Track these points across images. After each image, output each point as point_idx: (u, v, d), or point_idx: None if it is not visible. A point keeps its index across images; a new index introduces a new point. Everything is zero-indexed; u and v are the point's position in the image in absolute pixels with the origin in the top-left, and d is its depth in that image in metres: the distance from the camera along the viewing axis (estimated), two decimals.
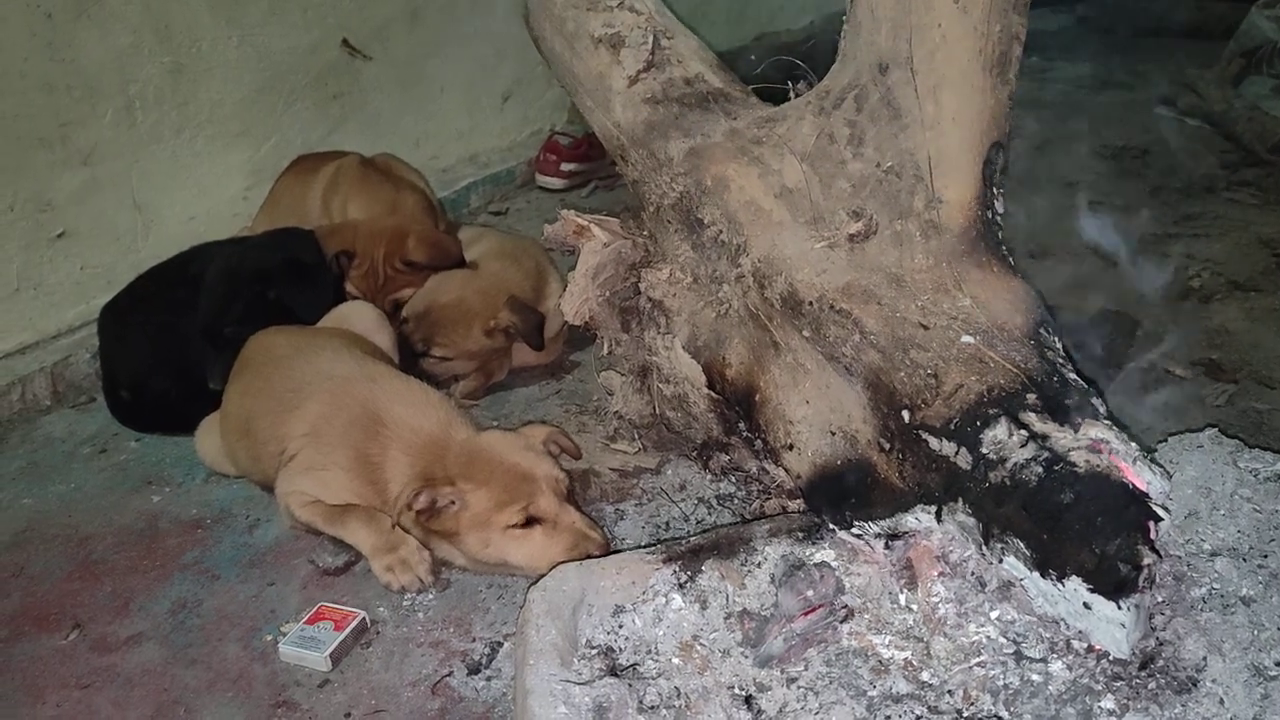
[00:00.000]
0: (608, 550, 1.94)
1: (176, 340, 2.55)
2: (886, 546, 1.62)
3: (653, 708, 1.47)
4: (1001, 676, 1.44)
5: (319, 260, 2.68)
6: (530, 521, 1.94)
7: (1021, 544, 1.41)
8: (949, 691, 1.45)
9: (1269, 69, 4.33)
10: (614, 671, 1.52)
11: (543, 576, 1.68)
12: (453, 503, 1.95)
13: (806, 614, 1.55)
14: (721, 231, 1.96)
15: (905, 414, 1.57)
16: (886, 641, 1.54)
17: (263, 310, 2.51)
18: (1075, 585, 1.36)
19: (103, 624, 1.98)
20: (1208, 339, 2.75)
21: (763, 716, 1.46)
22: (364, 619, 1.92)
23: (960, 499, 1.49)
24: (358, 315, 2.58)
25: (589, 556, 1.89)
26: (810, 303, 1.75)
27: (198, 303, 2.57)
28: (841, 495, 1.69)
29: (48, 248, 2.77)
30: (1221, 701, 1.37)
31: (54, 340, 2.81)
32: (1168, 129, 4.37)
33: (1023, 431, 1.44)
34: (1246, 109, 4.11)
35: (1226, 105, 4.18)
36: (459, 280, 2.71)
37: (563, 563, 1.87)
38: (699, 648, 1.57)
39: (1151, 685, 1.39)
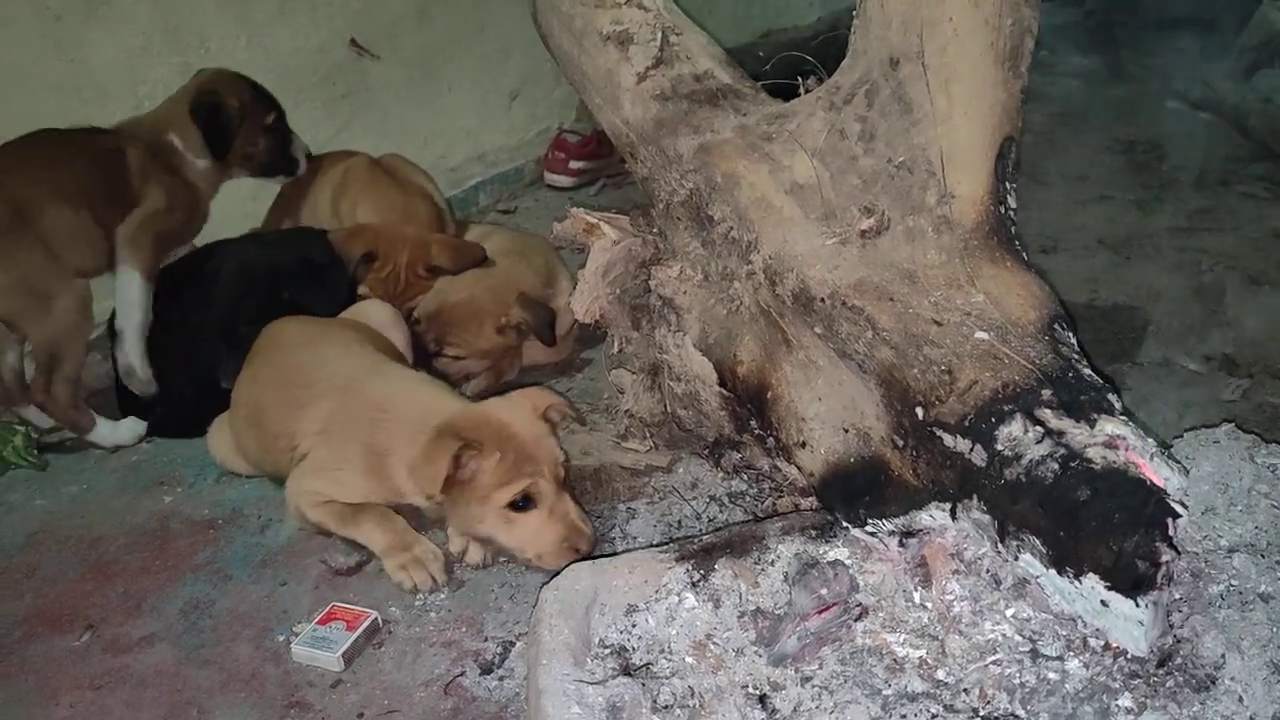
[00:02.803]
0: (594, 547, 1.94)
1: (190, 340, 2.56)
2: (901, 544, 1.61)
3: (666, 707, 1.46)
4: (1018, 675, 1.43)
5: (333, 261, 2.69)
6: (526, 503, 1.93)
7: (1037, 541, 1.40)
8: (964, 690, 1.44)
9: None
10: (627, 671, 1.52)
11: (555, 575, 1.68)
12: (469, 463, 1.92)
13: (820, 612, 1.54)
14: (732, 228, 1.95)
15: (919, 411, 1.56)
16: (901, 640, 1.53)
17: (276, 309, 2.51)
18: (1092, 583, 1.35)
19: (115, 625, 1.99)
20: (1221, 333, 2.72)
21: (777, 716, 1.46)
22: (376, 619, 1.92)
23: (975, 496, 1.48)
24: (374, 312, 2.58)
25: (575, 551, 1.90)
26: (822, 299, 1.74)
27: (211, 301, 2.57)
28: (855, 493, 1.68)
29: None
30: (1240, 699, 1.36)
31: None
32: (1179, 122, 4.34)
33: (1038, 428, 1.43)
34: (1259, 102, 4.07)
35: (1239, 98, 4.15)
36: (469, 279, 2.72)
37: (549, 553, 1.92)
38: (712, 647, 1.56)
39: (1170, 683, 1.38)
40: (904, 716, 1.42)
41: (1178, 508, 1.34)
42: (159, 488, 2.40)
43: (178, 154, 2.69)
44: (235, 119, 2.73)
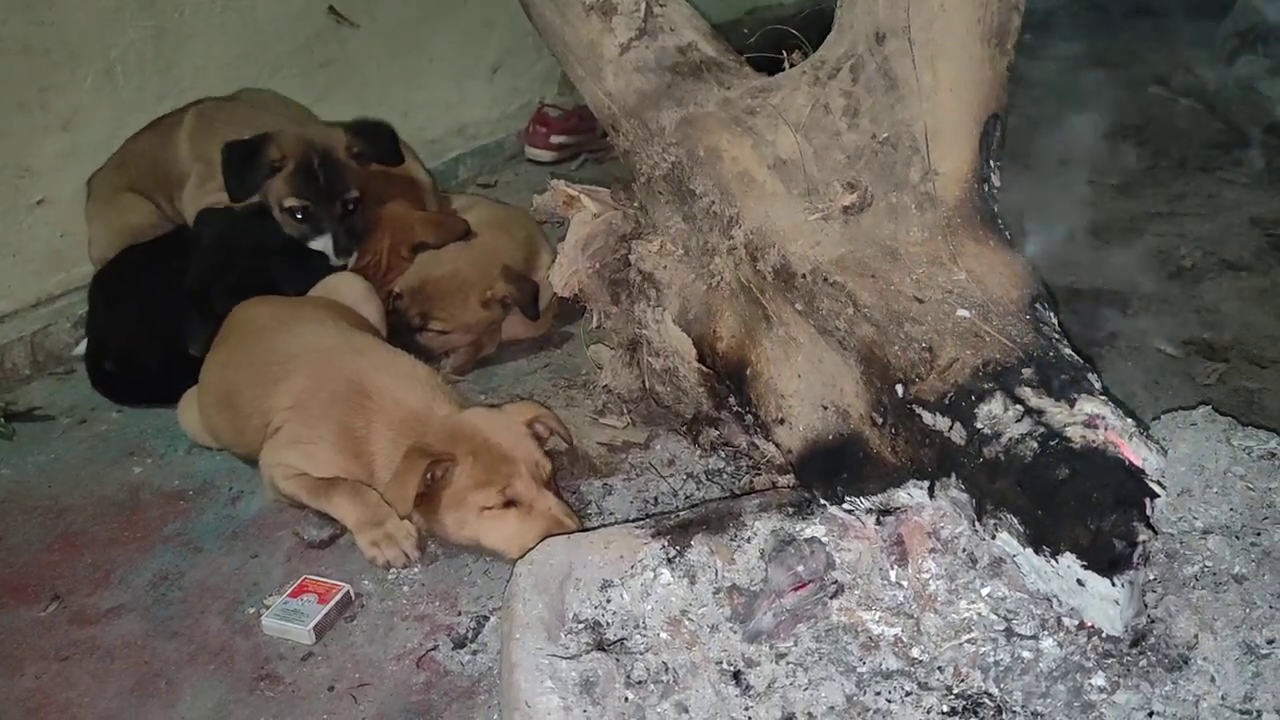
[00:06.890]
0: None
1: (162, 307, 2.52)
2: (878, 522, 1.61)
3: (640, 682, 1.46)
4: (992, 653, 1.43)
5: None
6: (507, 504, 1.91)
7: (1015, 520, 1.40)
8: (939, 668, 1.44)
9: (1263, 48, 4.31)
10: (601, 646, 1.51)
11: (530, 550, 1.67)
12: (442, 475, 1.92)
13: (796, 589, 1.53)
14: (713, 203, 1.93)
15: (899, 388, 1.55)
16: (876, 618, 1.53)
17: (256, 283, 2.47)
18: (1069, 562, 1.35)
19: (82, 596, 1.96)
20: (1199, 318, 2.74)
21: (751, 692, 1.45)
22: (348, 592, 1.90)
23: (953, 474, 1.48)
24: (346, 286, 2.54)
25: None
26: (803, 275, 1.73)
27: (186, 268, 2.53)
28: (833, 470, 1.67)
29: (27, 214, 2.72)
30: (1213, 679, 1.36)
31: (33, 309, 2.76)
32: (1161, 108, 4.35)
33: (1018, 406, 1.42)
34: (1241, 89, 4.09)
35: (1221, 85, 4.16)
36: (451, 253, 2.69)
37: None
38: (687, 623, 1.55)
39: (1143, 663, 1.39)
40: (878, 694, 1.41)
41: (1155, 488, 1.34)
42: (128, 458, 2.36)
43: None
44: (260, 174, 2.50)
